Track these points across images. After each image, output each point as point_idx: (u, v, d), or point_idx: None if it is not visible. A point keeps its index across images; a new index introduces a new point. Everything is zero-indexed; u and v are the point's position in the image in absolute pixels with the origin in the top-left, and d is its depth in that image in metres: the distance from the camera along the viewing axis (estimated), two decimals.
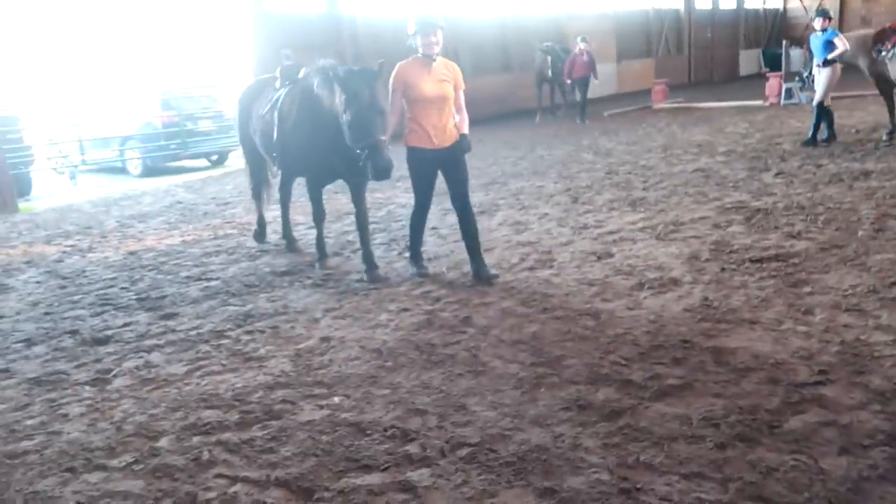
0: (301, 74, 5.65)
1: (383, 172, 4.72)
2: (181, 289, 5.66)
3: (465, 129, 5.04)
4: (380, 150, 4.68)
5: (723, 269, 4.92)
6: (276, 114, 5.71)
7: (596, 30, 21.49)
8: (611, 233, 6.17)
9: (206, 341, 4.42)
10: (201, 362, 4.09)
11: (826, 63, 9.48)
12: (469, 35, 17.69)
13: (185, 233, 7.97)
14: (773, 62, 23.02)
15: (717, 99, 18.80)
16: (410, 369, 3.77)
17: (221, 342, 4.39)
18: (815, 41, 9.63)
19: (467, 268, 5.36)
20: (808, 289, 4.43)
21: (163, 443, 3.17)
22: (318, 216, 5.81)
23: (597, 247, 5.78)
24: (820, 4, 32.91)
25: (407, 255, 5.83)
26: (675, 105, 18.63)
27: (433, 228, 6.93)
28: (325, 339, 4.30)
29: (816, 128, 9.87)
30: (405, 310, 4.70)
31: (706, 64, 28.86)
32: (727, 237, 5.72)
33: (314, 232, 6.09)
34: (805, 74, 10.75)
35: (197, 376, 3.90)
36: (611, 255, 5.51)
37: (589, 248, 5.75)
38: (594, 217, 6.80)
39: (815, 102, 9.85)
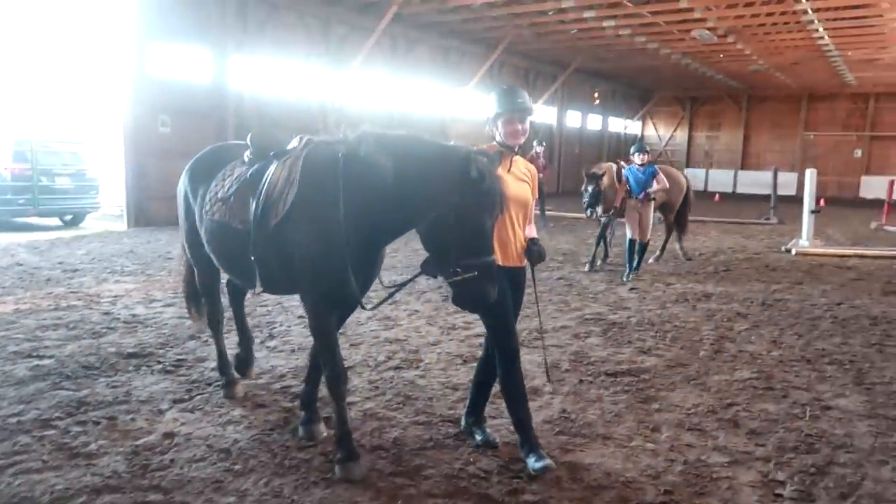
0: (295, 144, 3.88)
1: (486, 301, 3.25)
2: (5, 366, 5.03)
3: (535, 234, 3.87)
4: (494, 274, 3.25)
5: (581, 381, 5.11)
6: (258, 199, 3.74)
7: (476, 135, 22.69)
8: (478, 335, 6.27)
9: (27, 431, 3.92)
10: (17, 457, 3.60)
11: (646, 198, 9.23)
12: (356, 122, 18.06)
13: (21, 300, 7.21)
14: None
15: (582, 210, 20.15)
16: (261, 474, 3.53)
17: (46, 433, 3.90)
18: (637, 175, 9.26)
19: None
20: (656, 405, 4.68)
21: None
22: (337, 375, 3.62)
23: (463, 349, 5.84)
24: (671, 136, 36.95)
25: (273, 344, 5.58)
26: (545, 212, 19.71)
27: (301, 317, 6.72)
28: (168, 435, 3.95)
29: (641, 259, 9.60)
30: (261, 406, 4.45)
31: (573, 176, 31.12)
32: (585, 348, 5.99)
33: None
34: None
35: (9, 474, 3.41)
36: (476, 360, 5.55)
37: (456, 351, 5.80)
38: (463, 318, 6.90)
39: (643, 239, 9.36)
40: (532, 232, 3.85)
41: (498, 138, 3.73)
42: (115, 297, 7.52)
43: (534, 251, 3.74)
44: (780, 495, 3.47)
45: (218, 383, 4.76)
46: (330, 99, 18.37)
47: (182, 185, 4.52)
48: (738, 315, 7.45)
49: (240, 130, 14.52)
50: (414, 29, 20.53)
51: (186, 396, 4.57)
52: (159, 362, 5.27)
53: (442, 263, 3.27)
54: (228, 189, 4.01)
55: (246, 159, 4.10)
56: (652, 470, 3.71)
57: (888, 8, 16.99)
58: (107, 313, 6.75)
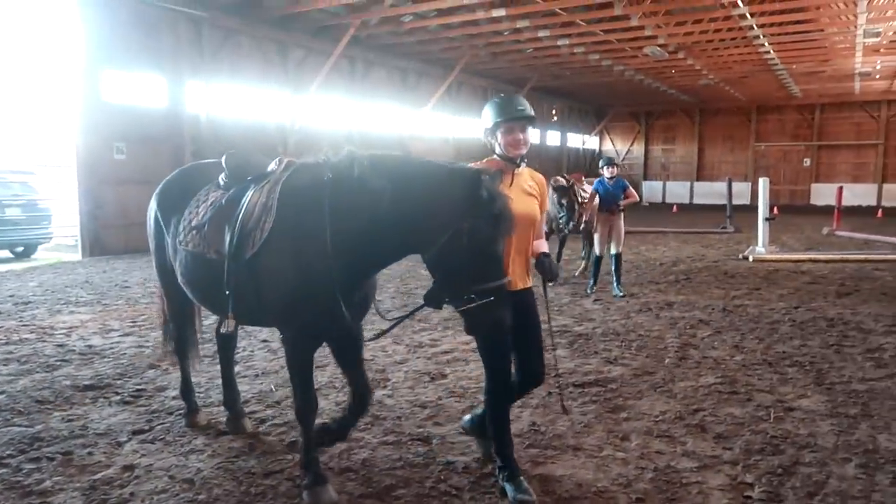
0: (274, 167, 3.68)
1: (503, 325, 3.07)
2: None
3: (545, 248, 3.67)
4: (506, 297, 3.06)
5: (549, 394, 5.10)
6: (233, 228, 3.52)
7: (437, 152, 22.82)
8: (445, 353, 6.24)
9: None
10: None
11: (618, 210, 9.28)
12: (317, 143, 17.97)
13: None
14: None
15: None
16: (226, 503, 3.42)
17: None
18: (607, 188, 9.30)
19: None
20: (624, 414, 4.69)
21: None
22: (307, 405, 3.48)
23: (431, 367, 5.79)
24: (628, 150, 37.65)
25: (236, 370, 5.46)
26: None
27: (264, 341, 6.61)
28: (128, 468, 3.80)
29: (620, 270, 9.52)
30: (225, 433, 4.32)
31: None
32: (553, 360, 5.98)
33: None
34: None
35: None
36: (444, 376, 5.53)
37: (423, 368, 5.75)
38: (429, 336, 6.86)
39: (614, 252, 9.37)
40: (542, 247, 3.64)
41: (498, 150, 3.48)
42: (70, 328, 7.28)
43: (545, 263, 3.53)
44: (749, 497, 3.50)
45: (179, 412, 4.62)
46: (289, 121, 18.29)
47: (152, 210, 4.24)
48: (700, 322, 7.57)
49: (197, 155, 14.31)
50: (371, 51, 20.62)
51: (146, 427, 4.43)
52: (117, 393, 5.10)
53: (454, 291, 3.02)
54: (203, 216, 3.75)
55: (221, 182, 3.86)
56: (623, 478, 3.70)
57: (828, 23, 17.71)
58: (61, 345, 6.53)
